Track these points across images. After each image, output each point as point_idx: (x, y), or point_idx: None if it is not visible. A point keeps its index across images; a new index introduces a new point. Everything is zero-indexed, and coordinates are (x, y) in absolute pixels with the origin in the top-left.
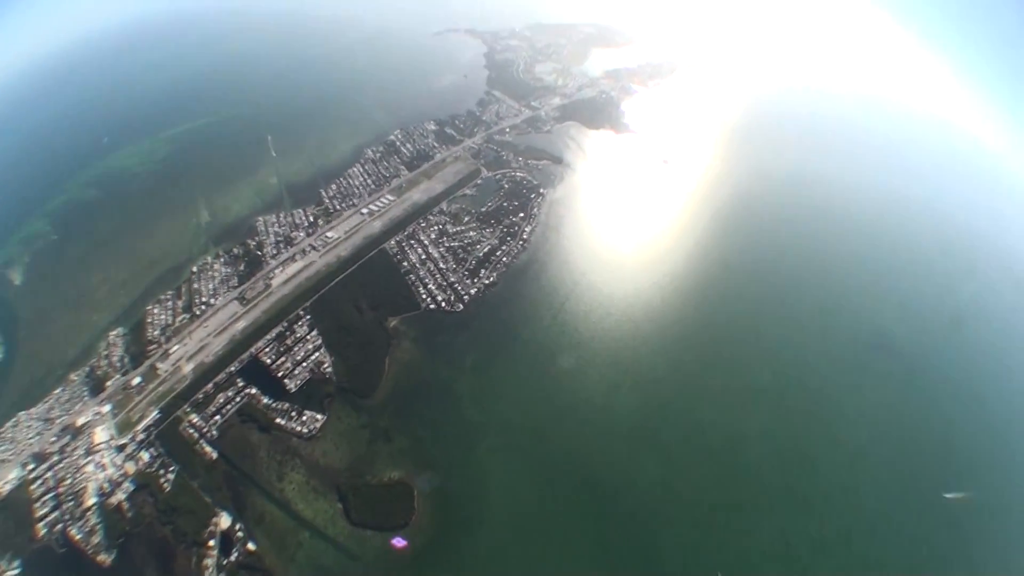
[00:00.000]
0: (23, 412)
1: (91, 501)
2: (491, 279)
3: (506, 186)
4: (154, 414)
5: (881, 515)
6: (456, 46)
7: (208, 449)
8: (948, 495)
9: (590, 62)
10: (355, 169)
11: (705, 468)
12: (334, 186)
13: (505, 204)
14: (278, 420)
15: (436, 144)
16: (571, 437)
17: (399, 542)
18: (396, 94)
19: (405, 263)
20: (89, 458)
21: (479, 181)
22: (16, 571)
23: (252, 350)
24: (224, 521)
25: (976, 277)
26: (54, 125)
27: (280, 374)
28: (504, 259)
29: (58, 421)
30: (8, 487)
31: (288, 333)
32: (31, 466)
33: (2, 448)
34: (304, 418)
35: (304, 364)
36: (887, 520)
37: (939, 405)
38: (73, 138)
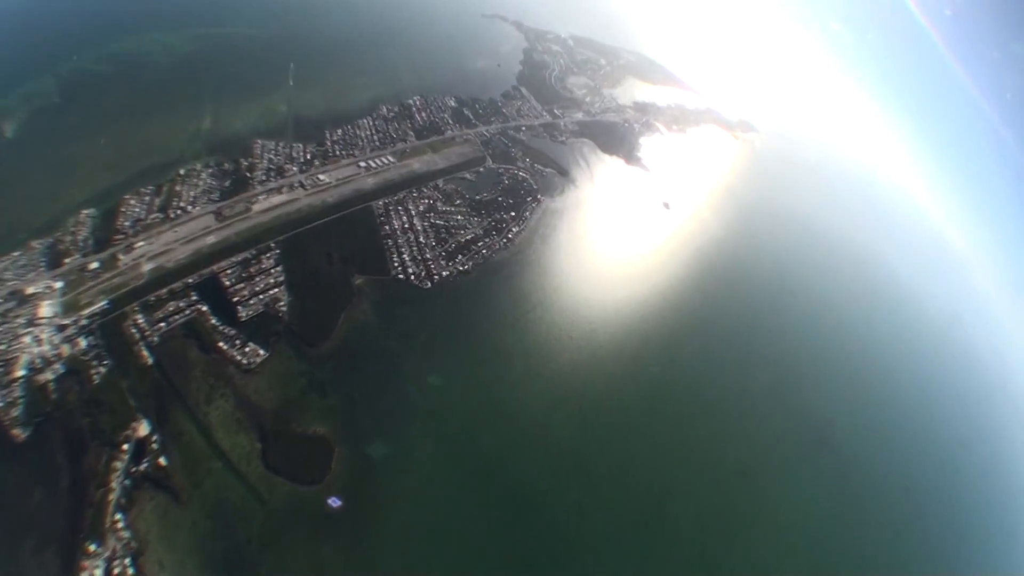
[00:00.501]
0: None
1: (20, 373)
2: (466, 267)
3: (506, 182)
4: (102, 303)
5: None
6: (500, 33)
7: (145, 353)
8: None
9: (623, 89)
10: (365, 121)
11: (624, 511)
12: (340, 131)
13: (500, 199)
14: (221, 344)
15: (451, 121)
16: (502, 442)
17: (334, 502)
18: (428, 62)
19: (387, 227)
20: (28, 329)
21: (481, 169)
22: None
23: (214, 268)
24: (143, 429)
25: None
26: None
27: (235, 299)
28: (484, 251)
29: (8, 284)
30: None
31: (254, 261)
32: None
33: None
34: (247, 349)
35: (261, 296)
36: None
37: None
38: (103, 9)
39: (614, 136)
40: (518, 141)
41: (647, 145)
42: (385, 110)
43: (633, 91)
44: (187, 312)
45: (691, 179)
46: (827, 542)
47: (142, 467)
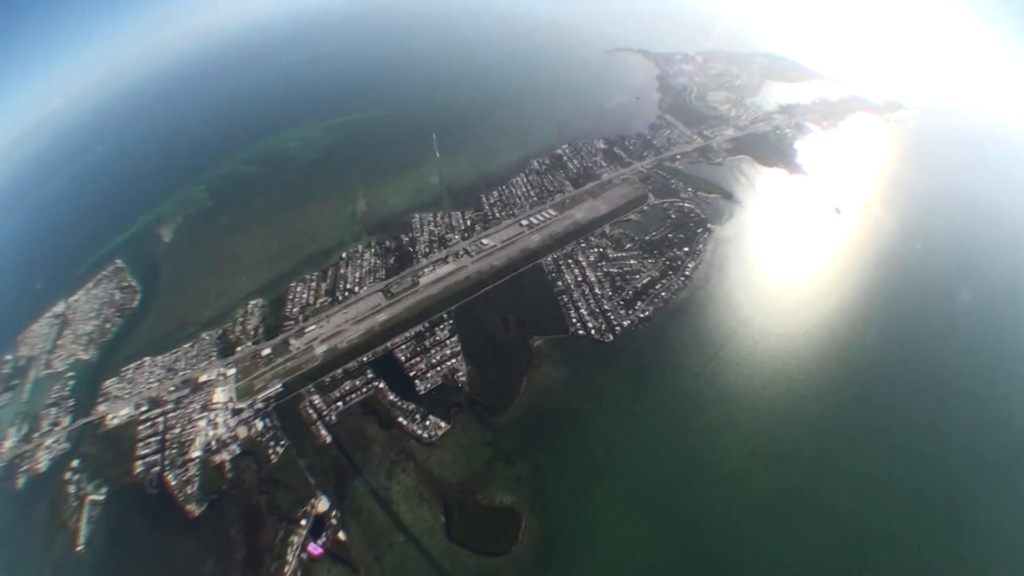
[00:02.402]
0: (149, 358)
1: (195, 454)
2: (646, 313)
3: (673, 216)
4: (277, 387)
5: None
6: (628, 66)
7: (323, 432)
8: None
9: (763, 94)
10: (518, 179)
11: (830, 561)
12: (495, 193)
13: (670, 235)
14: (400, 419)
15: (604, 163)
16: (696, 500)
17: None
18: (566, 108)
19: (559, 283)
20: (204, 414)
21: (646, 207)
22: (101, 498)
23: (388, 344)
24: (322, 504)
25: None
26: (227, 105)
27: (412, 374)
28: (663, 293)
29: (181, 373)
30: (116, 421)
31: (428, 334)
32: (144, 407)
33: (120, 386)
34: (428, 423)
35: (438, 368)
36: None
37: None
38: (242, 119)
39: (769, 146)
40: (675, 171)
41: (803, 148)
42: (536, 164)
43: (774, 94)
44: (364, 390)
45: (854, 176)
46: None
47: (320, 541)
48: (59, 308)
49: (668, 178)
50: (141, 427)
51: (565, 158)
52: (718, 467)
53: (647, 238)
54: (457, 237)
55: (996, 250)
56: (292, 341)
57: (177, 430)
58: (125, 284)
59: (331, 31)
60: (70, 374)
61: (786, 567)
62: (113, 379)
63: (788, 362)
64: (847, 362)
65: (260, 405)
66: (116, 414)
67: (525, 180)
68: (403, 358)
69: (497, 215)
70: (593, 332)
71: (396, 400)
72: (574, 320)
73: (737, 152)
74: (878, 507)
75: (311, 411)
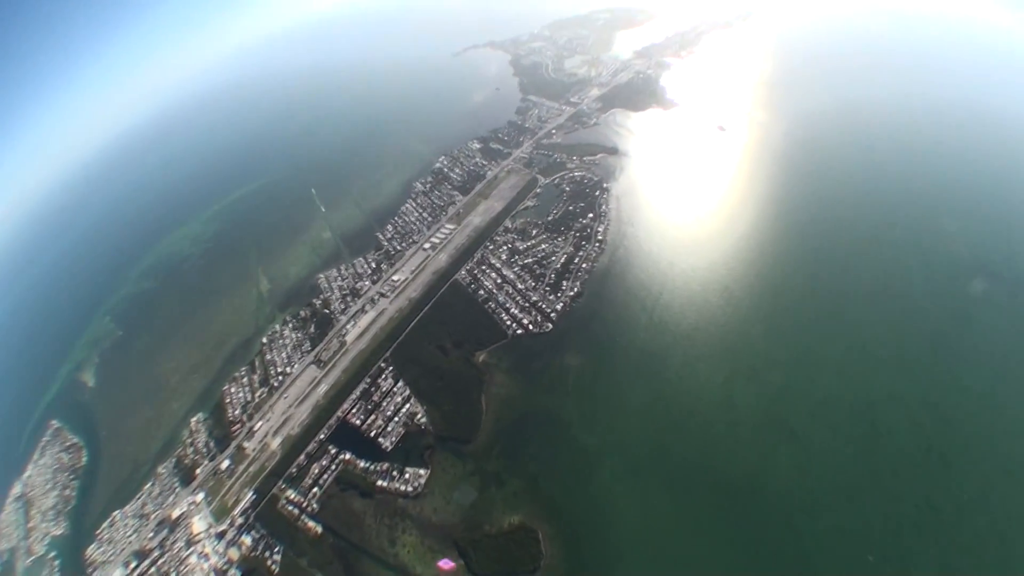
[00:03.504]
0: (117, 511)
1: None
2: (575, 290)
3: (567, 189)
4: (249, 496)
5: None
6: (480, 61)
7: (311, 524)
8: None
9: (617, 46)
10: (407, 205)
11: (838, 445)
12: (390, 227)
13: (571, 208)
14: (380, 483)
15: (484, 162)
16: (695, 443)
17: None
18: (432, 122)
19: (481, 291)
20: (191, 549)
21: (538, 190)
22: None
23: (339, 413)
24: None
25: None
26: (102, 224)
27: (373, 434)
28: (584, 266)
29: (153, 516)
30: None
31: (373, 389)
32: (133, 564)
33: (102, 550)
34: (407, 476)
35: (396, 419)
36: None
37: None
38: (122, 234)
39: (637, 92)
40: (556, 146)
41: (670, 83)
42: (419, 185)
43: (628, 42)
44: (333, 467)
45: (726, 91)
46: None
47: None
48: (16, 490)
49: (551, 155)
50: None
51: (446, 170)
52: (702, 405)
53: (550, 218)
54: (367, 283)
55: (874, 130)
56: (246, 444)
57: (173, 575)
58: (68, 443)
59: (178, 125)
60: (52, 554)
61: (803, 470)
62: (92, 545)
63: (727, 281)
64: (779, 258)
65: (240, 520)
66: None
67: (414, 204)
68: (358, 421)
69: (398, 247)
70: (531, 327)
71: (367, 465)
72: (508, 322)
73: (608, 107)
74: (866, 379)
75: (291, 507)
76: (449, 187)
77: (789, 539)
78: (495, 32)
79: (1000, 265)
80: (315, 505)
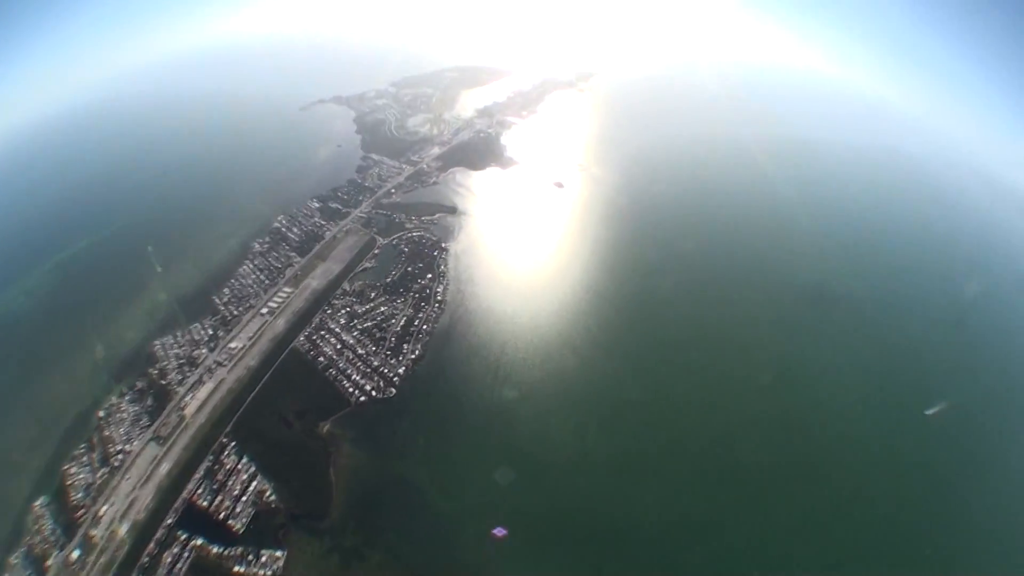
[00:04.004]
0: None
1: None
2: (416, 352)
3: (406, 249)
4: None
5: (877, 459)
6: (325, 116)
7: None
8: (929, 411)
9: (460, 105)
10: (245, 266)
11: (701, 477)
12: (227, 290)
13: (410, 269)
14: (236, 568)
15: (323, 222)
16: (555, 497)
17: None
18: (272, 177)
19: (321, 358)
20: None
21: (377, 251)
22: None
23: (184, 495)
24: None
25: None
26: None
27: (222, 515)
28: (424, 327)
29: None
30: None
31: (217, 467)
32: None
33: None
34: (264, 559)
35: (244, 499)
36: (885, 464)
37: (888, 337)
38: None
39: (477, 151)
40: (395, 205)
41: (510, 142)
42: (257, 245)
43: (471, 101)
44: (185, 555)
45: (564, 149)
46: (876, 398)
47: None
48: None
49: (390, 214)
50: None
51: (284, 229)
52: (555, 457)
53: (388, 280)
54: (204, 351)
55: (706, 174)
56: (93, 532)
57: None
58: None
59: (36, 152)
60: None
61: (668, 506)
62: None
63: (569, 332)
64: (618, 304)
65: None
66: None
67: (252, 266)
68: (206, 503)
69: (235, 312)
70: (374, 393)
71: (221, 550)
72: (351, 390)
73: (448, 167)
74: (721, 407)
75: None
76: (287, 248)
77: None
78: (342, 86)
79: (836, 285)
80: None
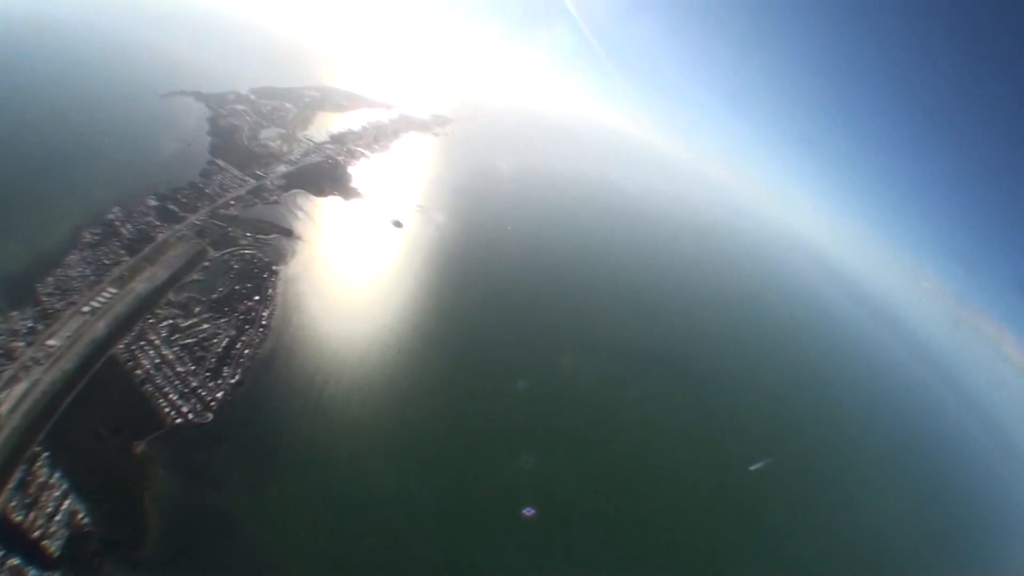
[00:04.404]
0: None
1: None
2: (236, 377)
3: (236, 266)
4: None
5: (706, 510)
6: (181, 110)
7: None
8: (753, 467)
9: (315, 126)
10: (73, 256)
11: (525, 532)
12: (51, 279)
13: (238, 287)
14: None
15: (158, 222)
16: (380, 540)
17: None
18: (116, 163)
19: (139, 371)
20: None
21: (207, 263)
22: None
23: None
24: None
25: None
26: None
27: (37, 534)
28: (245, 351)
29: None
30: None
31: (29, 479)
32: None
33: None
34: None
35: (58, 518)
36: (713, 515)
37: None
38: None
39: (322, 176)
40: (231, 218)
41: (357, 173)
42: (88, 235)
43: (326, 125)
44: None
45: (410, 189)
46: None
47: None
48: None
49: (225, 226)
50: None
51: (118, 223)
52: (377, 500)
53: (215, 296)
54: (22, 344)
55: (538, 227)
56: None
57: None
58: None
59: None
60: None
61: (489, 552)
62: None
63: (390, 373)
64: (441, 354)
65: None
66: None
67: (80, 257)
68: (20, 518)
69: (57, 306)
70: (191, 416)
71: (35, 573)
72: (167, 409)
73: (291, 187)
74: (546, 456)
75: None
76: (118, 244)
77: None
78: (206, 82)
79: (664, 351)
80: None
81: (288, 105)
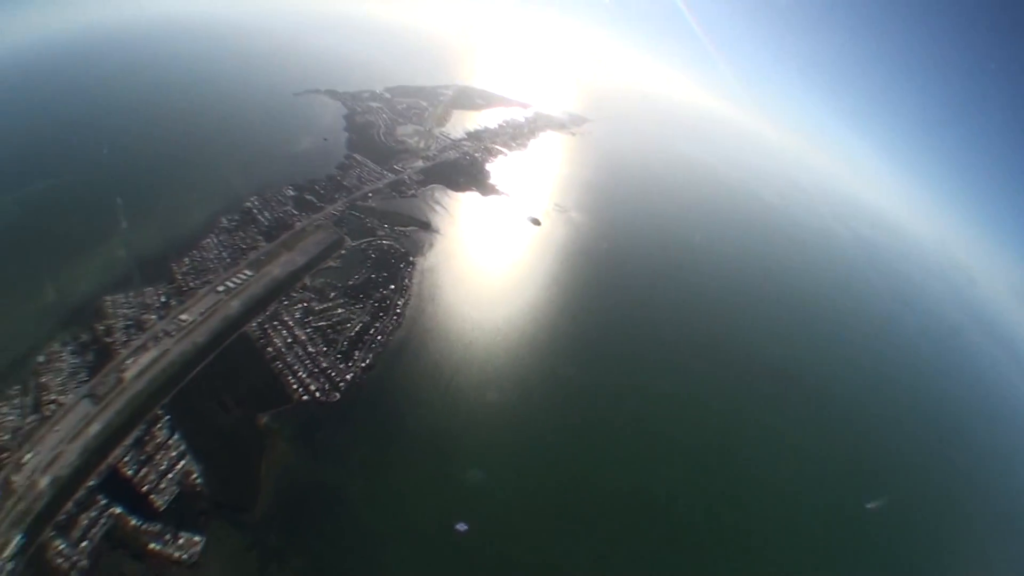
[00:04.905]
0: None
1: None
2: (367, 361)
3: (373, 256)
4: (18, 539)
5: (812, 545)
6: (317, 107)
7: None
8: (869, 505)
9: (451, 124)
10: (209, 240)
11: (634, 538)
12: (187, 260)
13: (373, 276)
14: (152, 545)
15: (296, 211)
16: (488, 532)
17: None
18: (253, 156)
19: (270, 348)
20: None
21: (343, 251)
22: None
23: (111, 460)
24: None
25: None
26: None
27: (145, 488)
28: (378, 337)
29: None
30: None
31: (147, 438)
32: None
33: None
34: (181, 541)
35: (170, 476)
36: (818, 551)
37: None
38: None
39: (460, 172)
40: (369, 210)
41: (495, 170)
42: (225, 221)
43: (463, 123)
44: (103, 521)
45: (547, 188)
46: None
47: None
48: None
49: (363, 217)
50: None
51: (255, 211)
52: (495, 492)
53: (350, 283)
54: (154, 317)
55: (673, 224)
56: (14, 478)
57: None
58: None
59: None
60: None
61: (598, 558)
62: None
63: (523, 370)
64: (576, 352)
65: (10, 567)
66: None
67: (216, 241)
68: (130, 472)
69: (191, 285)
70: (318, 394)
71: (140, 524)
72: (295, 386)
73: (428, 182)
74: (660, 471)
75: (60, 560)
76: (255, 230)
77: None
78: (339, 81)
79: (793, 367)
80: (85, 562)
81: (423, 103)
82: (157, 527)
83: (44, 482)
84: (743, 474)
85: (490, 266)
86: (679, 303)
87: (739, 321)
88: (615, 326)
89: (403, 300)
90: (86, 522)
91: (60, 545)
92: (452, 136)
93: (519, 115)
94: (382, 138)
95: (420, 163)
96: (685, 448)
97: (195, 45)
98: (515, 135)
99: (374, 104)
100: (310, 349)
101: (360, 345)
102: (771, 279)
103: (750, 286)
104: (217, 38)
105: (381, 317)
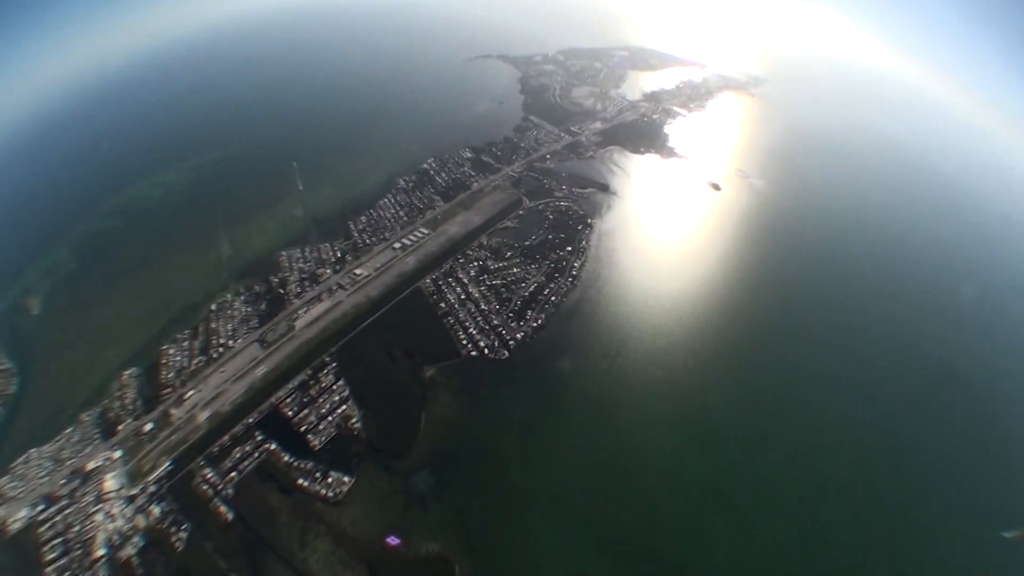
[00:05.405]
0: (34, 449)
1: (100, 552)
2: (539, 321)
3: (551, 217)
4: (166, 465)
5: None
6: (490, 72)
7: (223, 509)
8: (1007, 534)
9: (627, 86)
10: (386, 200)
11: (780, 531)
12: (363, 219)
13: (550, 237)
14: (301, 481)
15: (473, 173)
16: (634, 505)
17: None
18: (429, 121)
19: (443, 304)
20: (99, 506)
21: (521, 212)
22: None
23: (272, 400)
24: None
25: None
26: (84, 155)
27: (303, 429)
28: (552, 298)
29: (68, 463)
30: (17, 525)
31: (312, 382)
32: (40, 507)
33: (12, 484)
34: (330, 480)
35: (330, 418)
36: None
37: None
38: (94, 172)
39: (638, 134)
40: (547, 171)
41: (673, 132)
42: (402, 182)
43: (639, 84)
44: (256, 455)
45: (727, 151)
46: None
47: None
48: None
49: (540, 179)
50: (41, 529)
51: (432, 172)
52: (646, 466)
53: (527, 243)
54: (328, 271)
55: (868, 216)
56: (173, 411)
57: (77, 528)
58: (1, 367)
59: (185, 70)
60: None
61: (741, 552)
62: (5, 478)
63: (696, 344)
64: (752, 330)
65: (153, 488)
66: (15, 517)
67: (393, 200)
68: (291, 413)
69: (367, 241)
70: (487, 351)
71: (292, 461)
72: (464, 342)
73: (607, 144)
74: (816, 464)
75: (206, 487)
76: (432, 191)
77: None
78: (510, 46)
79: (967, 371)
80: (230, 490)
81: (597, 65)
82: (309, 464)
83: (203, 416)
84: (884, 488)
85: (668, 232)
86: (883, 297)
87: (917, 310)
88: (788, 302)
89: (579, 262)
90: (238, 454)
91: (209, 473)
92: (629, 97)
93: (695, 76)
94: (557, 100)
95: (598, 125)
96: (836, 447)
97: (355, 26)
98: (692, 96)
99: (548, 67)
100: (483, 306)
101: (533, 305)
102: (949, 264)
103: (929, 271)
104: (378, 17)
105: (556, 278)
